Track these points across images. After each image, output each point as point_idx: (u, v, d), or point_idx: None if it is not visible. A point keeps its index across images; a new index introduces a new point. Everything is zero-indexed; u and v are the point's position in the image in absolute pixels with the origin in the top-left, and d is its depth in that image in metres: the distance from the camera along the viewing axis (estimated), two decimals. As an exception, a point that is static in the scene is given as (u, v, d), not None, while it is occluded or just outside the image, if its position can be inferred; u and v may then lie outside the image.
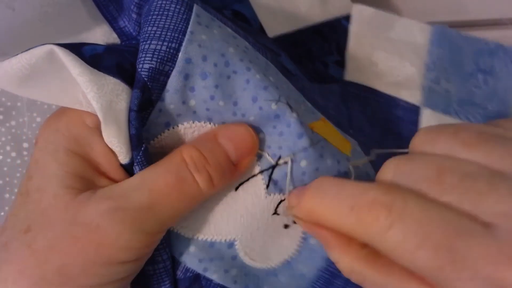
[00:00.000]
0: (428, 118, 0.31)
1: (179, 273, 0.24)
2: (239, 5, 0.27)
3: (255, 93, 0.21)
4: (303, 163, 0.23)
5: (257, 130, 0.22)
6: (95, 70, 0.19)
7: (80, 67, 0.19)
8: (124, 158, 0.21)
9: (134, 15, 0.23)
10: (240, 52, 0.22)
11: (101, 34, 0.24)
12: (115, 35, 0.24)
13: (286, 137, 0.22)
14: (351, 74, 0.32)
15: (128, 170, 0.21)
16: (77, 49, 0.20)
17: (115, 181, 0.21)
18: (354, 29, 0.32)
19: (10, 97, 0.24)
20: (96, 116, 0.20)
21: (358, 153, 0.26)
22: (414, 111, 0.31)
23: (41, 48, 0.19)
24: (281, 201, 0.24)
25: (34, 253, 0.18)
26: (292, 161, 0.22)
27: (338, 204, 0.18)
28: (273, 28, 0.29)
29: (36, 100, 0.22)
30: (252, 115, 0.22)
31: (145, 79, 0.20)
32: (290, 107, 0.22)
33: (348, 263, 0.19)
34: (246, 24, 0.28)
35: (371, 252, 0.19)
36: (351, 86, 0.32)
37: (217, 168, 0.21)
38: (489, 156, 0.16)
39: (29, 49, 0.19)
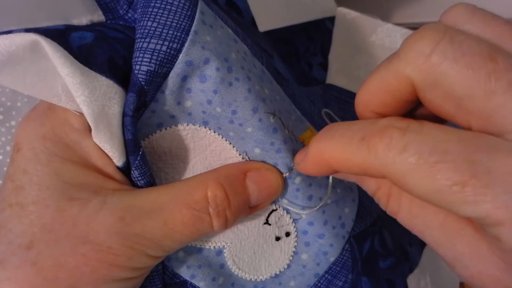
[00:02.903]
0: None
1: (166, 278, 0.23)
2: (233, -5, 0.26)
3: (256, 104, 0.20)
4: (298, 180, 0.22)
5: (253, 145, 0.22)
6: (87, 69, 0.18)
7: (70, 66, 0.17)
8: (117, 162, 0.19)
9: None
10: (241, 59, 0.21)
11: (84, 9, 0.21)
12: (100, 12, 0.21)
13: (283, 155, 0.22)
14: (333, 78, 0.32)
15: (125, 172, 0.20)
16: (64, 39, 0.18)
17: (121, 181, 0.20)
18: (337, 32, 0.32)
19: (10, 97, 0.24)
20: (82, 115, 0.18)
21: None
22: None
23: (23, 36, 0.17)
24: (272, 210, 0.24)
25: (40, 271, 0.17)
26: (286, 178, 0.22)
27: (349, 138, 0.16)
28: (264, 22, 0.28)
29: (36, 100, 0.20)
30: (250, 126, 0.21)
31: (142, 83, 0.18)
32: (283, 123, 0.22)
33: (387, 188, 0.18)
34: (239, 16, 0.26)
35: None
36: (333, 89, 0.32)
37: (235, 211, 0.21)
38: None
39: (8, 32, 0.17)
